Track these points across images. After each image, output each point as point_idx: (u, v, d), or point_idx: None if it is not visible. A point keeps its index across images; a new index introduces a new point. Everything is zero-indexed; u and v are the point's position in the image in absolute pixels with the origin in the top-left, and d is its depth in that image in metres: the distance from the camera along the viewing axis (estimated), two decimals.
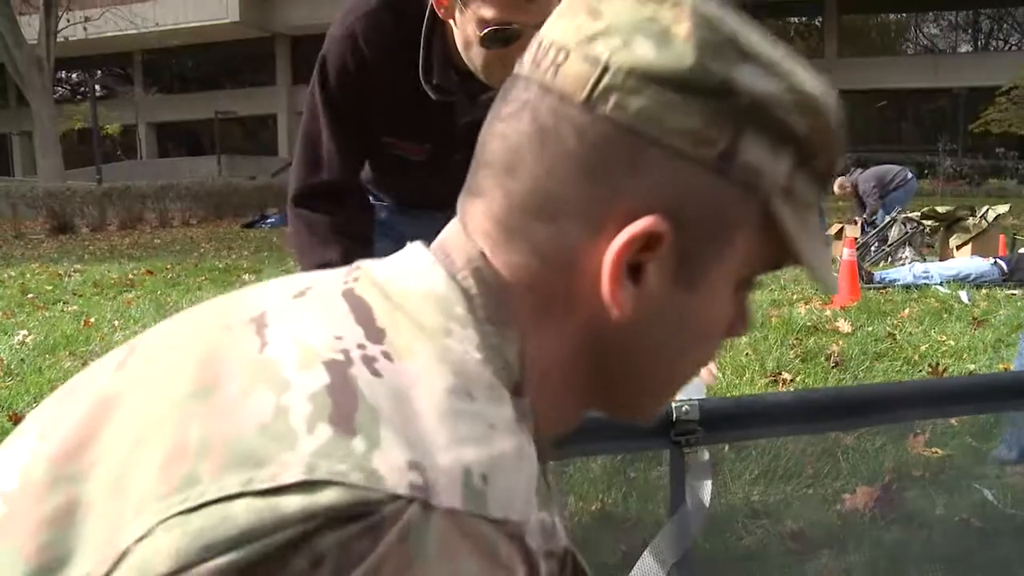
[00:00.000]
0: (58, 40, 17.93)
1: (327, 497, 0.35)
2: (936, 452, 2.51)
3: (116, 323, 4.85)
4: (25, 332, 4.59)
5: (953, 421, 2.78)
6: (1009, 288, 5.60)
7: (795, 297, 5.38)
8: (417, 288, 0.46)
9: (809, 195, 0.49)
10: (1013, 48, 26.47)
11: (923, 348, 3.85)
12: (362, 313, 0.44)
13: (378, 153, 1.54)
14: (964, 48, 27.41)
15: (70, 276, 7.18)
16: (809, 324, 4.31)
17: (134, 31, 22.28)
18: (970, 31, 27.77)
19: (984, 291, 5.50)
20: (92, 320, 4.93)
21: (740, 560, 1.90)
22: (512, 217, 0.47)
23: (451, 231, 0.50)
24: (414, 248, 0.49)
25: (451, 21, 1.28)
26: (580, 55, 0.45)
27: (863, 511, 2.14)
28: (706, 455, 1.39)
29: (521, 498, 0.40)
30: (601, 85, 0.45)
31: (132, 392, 0.43)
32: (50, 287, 6.52)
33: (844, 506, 2.17)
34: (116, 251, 9.63)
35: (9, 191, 13.59)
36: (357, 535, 0.35)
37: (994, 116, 20.35)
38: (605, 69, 0.45)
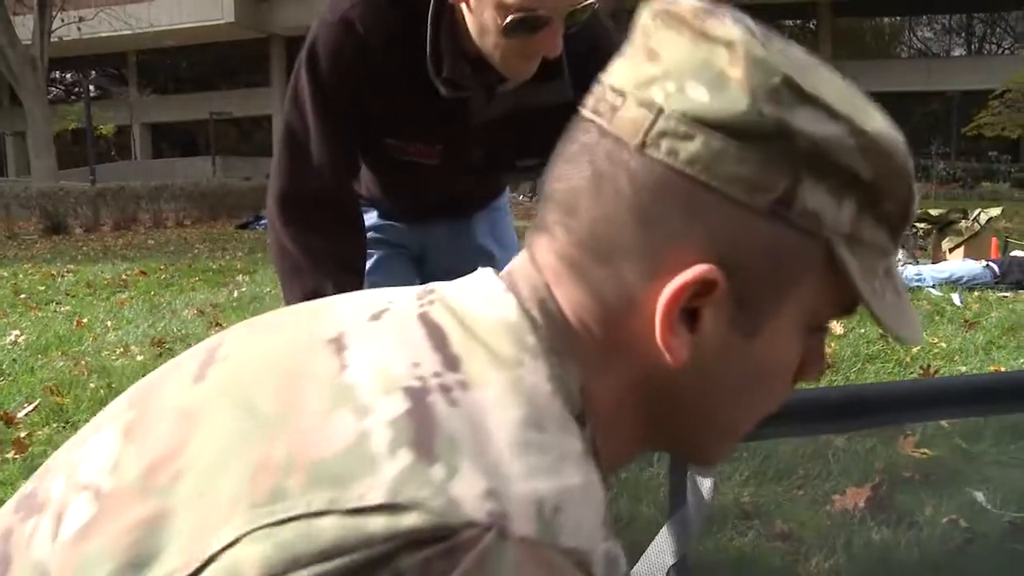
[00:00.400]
0: (52, 40, 17.88)
1: (410, 520, 0.37)
2: (926, 453, 2.53)
3: (109, 323, 4.84)
4: (17, 332, 4.58)
5: (944, 423, 2.80)
6: (1001, 291, 5.62)
7: None
8: (490, 315, 0.47)
9: (879, 240, 0.48)
10: (1006, 52, 26.60)
11: (915, 350, 3.87)
12: (438, 339, 0.45)
13: (379, 158, 1.37)
14: (957, 52, 27.52)
15: (63, 276, 7.16)
16: None
17: (128, 32, 22.24)
18: (963, 35, 27.88)
19: (976, 293, 5.53)
20: (85, 320, 4.92)
21: (731, 561, 1.91)
22: (573, 255, 0.47)
23: (519, 261, 0.51)
24: (484, 274, 0.50)
25: (462, 5, 1.13)
26: (636, 99, 0.46)
27: (853, 512, 2.15)
28: None
29: (589, 529, 0.41)
30: (655, 130, 0.45)
31: (215, 408, 0.44)
32: (43, 287, 6.51)
33: (834, 507, 2.18)
34: (110, 252, 9.61)
35: (2, 191, 13.54)
36: (436, 557, 0.37)
37: (987, 119, 20.45)
38: (659, 113, 0.45)
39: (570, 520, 0.40)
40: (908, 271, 6.04)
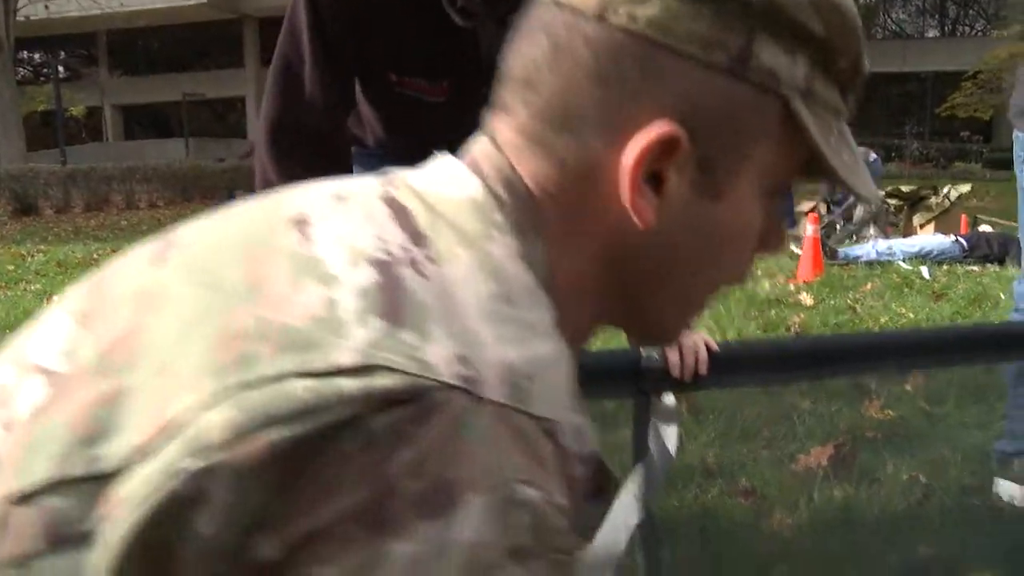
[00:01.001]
0: (18, 19, 17.52)
1: (383, 381, 0.37)
2: (889, 414, 2.57)
3: None
4: None
5: (907, 386, 2.85)
6: (969, 264, 5.71)
7: (759, 272, 5.44)
8: (456, 195, 0.46)
9: (833, 99, 0.49)
10: (979, 33, 26.82)
11: (883, 320, 3.93)
12: (403, 218, 0.44)
13: (381, 94, 1.30)
14: (932, 33, 27.71)
15: (33, 256, 7.07)
16: (772, 297, 4.37)
17: (98, 11, 21.84)
18: (937, 16, 28.07)
19: (945, 267, 5.61)
20: (55, 299, 4.86)
21: (695, 517, 1.94)
22: (534, 129, 0.48)
23: (478, 144, 0.50)
24: (445, 159, 0.50)
25: None
26: None
27: (816, 470, 2.18)
28: (671, 400, 1.39)
29: (558, 399, 0.41)
30: None
31: (178, 286, 0.43)
32: (12, 267, 6.42)
33: (798, 465, 2.22)
34: (81, 232, 9.49)
35: None
36: (409, 418, 0.36)
37: (960, 100, 20.63)
38: None
39: (540, 389, 0.40)
40: (879, 245, 6.11)
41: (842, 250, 6.09)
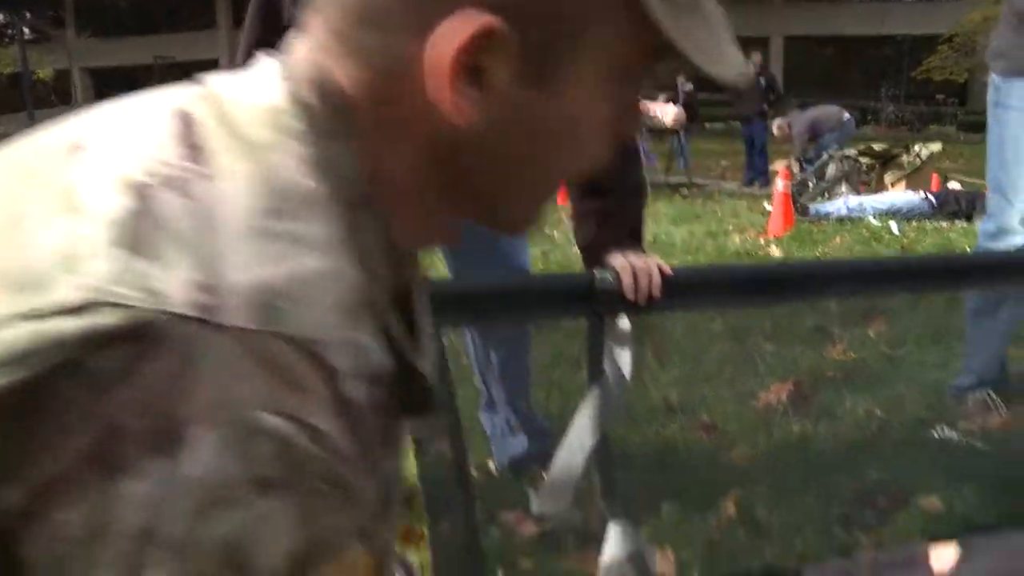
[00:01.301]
0: None
1: (104, 318, 0.35)
2: (851, 356, 2.61)
3: None
4: None
5: (870, 332, 2.89)
6: (938, 220, 5.77)
7: (730, 228, 5.48)
8: (253, 103, 0.44)
9: None
10: None
11: None
12: (189, 132, 0.42)
13: None
14: None
15: None
16: (742, 251, 4.40)
17: None
18: None
19: (914, 223, 5.67)
20: None
21: (655, 451, 1.96)
22: (343, 27, 0.45)
23: (296, 45, 0.48)
24: (264, 62, 0.48)
25: None
26: None
27: (776, 406, 2.22)
28: (626, 323, 1.39)
29: (325, 316, 0.40)
30: None
31: None
32: None
33: (759, 403, 2.25)
34: None
35: None
36: (132, 356, 0.35)
37: (936, 64, 20.69)
38: None
39: (303, 307, 0.39)
40: (850, 202, 6.16)
41: (813, 206, 6.13)
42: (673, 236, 5.03)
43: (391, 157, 0.46)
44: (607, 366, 1.51)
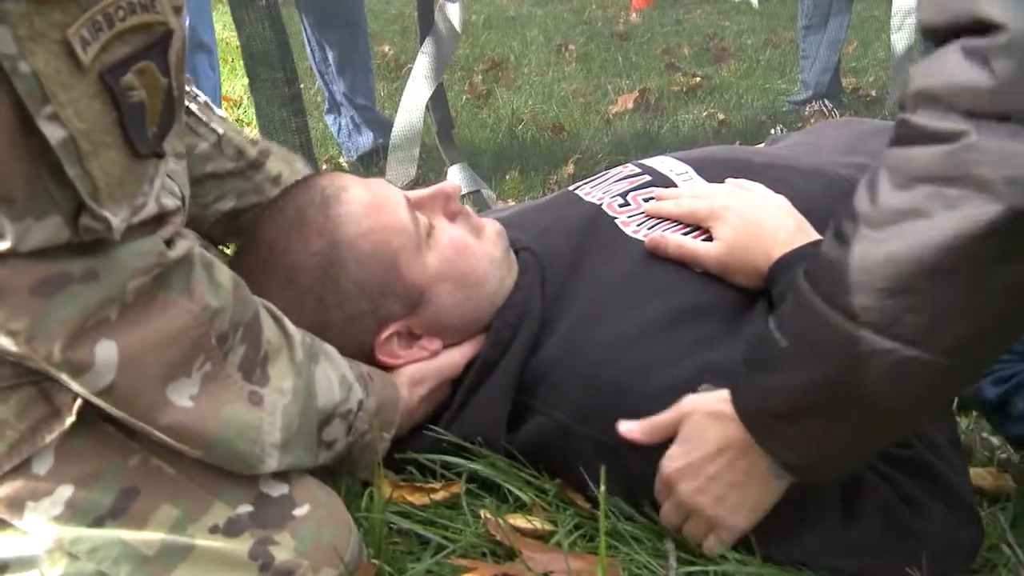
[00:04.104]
0: None
1: None
2: (696, 79, 2.72)
3: None
4: None
5: (722, 69, 2.98)
6: None
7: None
8: None
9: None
10: None
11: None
12: None
13: None
14: None
15: None
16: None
17: None
18: None
19: None
20: None
21: (497, 148, 2.03)
22: None
23: None
24: None
25: None
26: None
27: (624, 113, 2.31)
28: None
29: None
30: None
31: None
32: None
33: (608, 112, 2.34)
34: None
35: None
36: None
37: None
38: None
39: None
40: None
41: None
42: None
43: None
44: (438, 19, 1.52)
